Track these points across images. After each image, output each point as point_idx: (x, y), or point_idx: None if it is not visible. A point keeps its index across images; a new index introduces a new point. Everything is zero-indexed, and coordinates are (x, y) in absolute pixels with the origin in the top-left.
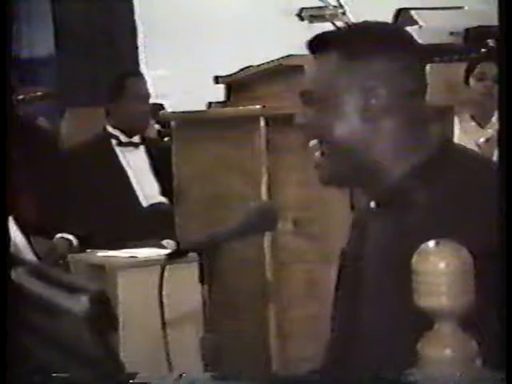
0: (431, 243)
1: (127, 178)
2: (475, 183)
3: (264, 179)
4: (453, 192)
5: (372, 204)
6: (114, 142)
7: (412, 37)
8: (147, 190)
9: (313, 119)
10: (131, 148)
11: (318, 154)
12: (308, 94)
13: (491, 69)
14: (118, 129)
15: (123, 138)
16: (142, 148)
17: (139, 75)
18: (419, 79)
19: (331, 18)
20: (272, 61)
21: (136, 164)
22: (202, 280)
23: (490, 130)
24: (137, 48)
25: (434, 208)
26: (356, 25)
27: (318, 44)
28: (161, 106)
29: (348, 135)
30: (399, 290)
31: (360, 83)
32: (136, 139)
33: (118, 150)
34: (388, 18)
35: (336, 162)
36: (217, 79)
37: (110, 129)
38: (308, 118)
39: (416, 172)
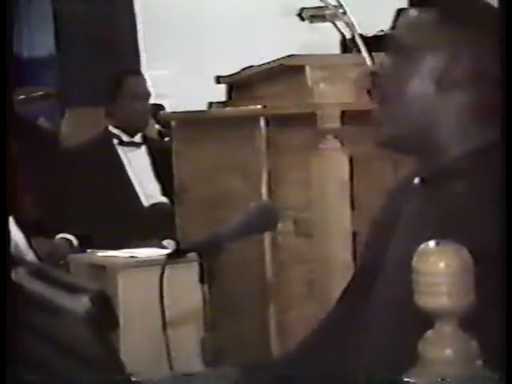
0: (431, 243)
1: (128, 177)
2: None
3: (264, 179)
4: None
5: (416, 180)
6: (115, 141)
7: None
8: (148, 189)
9: (388, 70)
10: (133, 148)
11: (379, 110)
12: (394, 42)
13: None
14: (119, 128)
15: (125, 138)
16: (143, 148)
17: (138, 74)
18: (499, 70)
19: (331, 18)
20: (273, 61)
21: (137, 164)
22: (202, 280)
23: None
24: (137, 48)
25: (478, 199)
26: None
27: None
28: (161, 106)
29: (418, 98)
30: None
31: (448, 47)
32: (138, 139)
33: (119, 149)
34: (388, 18)
35: (398, 123)
36: (218, 79)
37: (111, 128)
38: (384, 68)
39: (471, 157)
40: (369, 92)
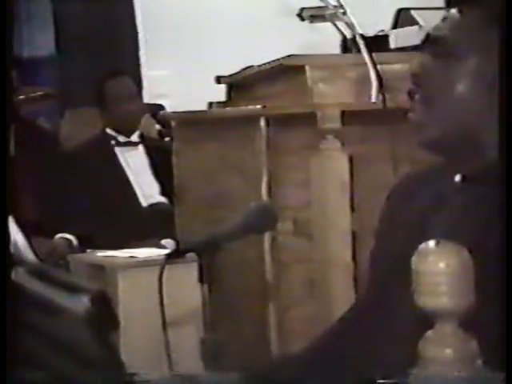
0: (431, 243)
1: (127, 178)
2: None
3: (264, 179)
4: None
5: (457, 177)
6: (112, 142)
7: None
8: (147, 189)
9: (434, 72)
10: (130, 148)
11: (423, 112)
12: (438, 45)
13: None
14: (114, 129)
15: (121, 138)
16: (140, 148)
17: (118, 75)
18: None
19: (331, 18)
20: (273, 61)
21: (135, 164)
22: (201, 280)
23: None
24: (137, 48)
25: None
26: None
27: None
28: (161, 106)
29: (467, 99)
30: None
31: (497, 49)
32: (135, 138)
33: (117, 149)
34: (388, 18)
35: (446, 125)
36: (218, 79)
37: (108, 129)
38: (429, 70)
39: None
40: (409, 93)
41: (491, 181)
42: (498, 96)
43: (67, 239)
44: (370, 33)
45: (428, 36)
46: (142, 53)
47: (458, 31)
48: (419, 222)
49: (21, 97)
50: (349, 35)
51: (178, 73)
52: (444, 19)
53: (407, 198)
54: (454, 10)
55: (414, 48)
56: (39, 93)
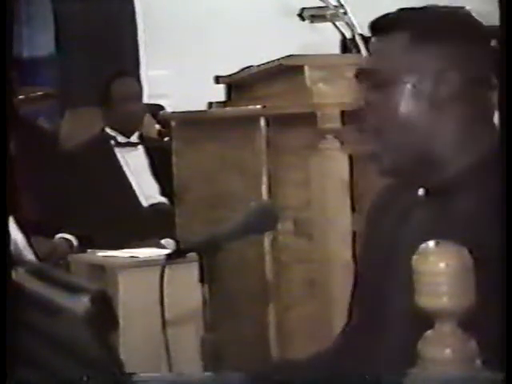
0: (431, 243)
1: (126, 178)
2: None
3: (264, 179)
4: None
5: (420, 191)
6: (112, 142)
7: (482, 24)
8: (147, 190)
9: (375, 104)
10: (130, 148)
11: (374, 143)
12: (371, 77)
13: None
14: (115, 129)
15: (121, 139)
16: (140, 148)
17: (125, 75)
18: (488, 71)
19: (332, 18)
20: (272, 61)
21: (135, 164)
22: (202, 280)
23: None
24: (137, 48)
25: (480, 208)
26: (426, 7)
27: (384, 25)
28: (161, 106)
29: (413, 122)
30: None
31: (430, 67)
32: (134, 139)
33: (116, 150)
34: None
35: (398, 152)
36: (217, 79)
37: (107, 129)
38: (370, 103)
39: (474, 168)
40: (358, 128)
41: (453, 193)
42: (499, 96)
43: (67, 239)
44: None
45: (360, 70)
46: (141, 53)
47: (385, 59)
48: (390, 236)
49: (21, 97)
50: (349, 35)
51: (178, 73)
52: (371, 51)
53: (383, 212)
54: (374, 40)
55: None
56: (39, 93)
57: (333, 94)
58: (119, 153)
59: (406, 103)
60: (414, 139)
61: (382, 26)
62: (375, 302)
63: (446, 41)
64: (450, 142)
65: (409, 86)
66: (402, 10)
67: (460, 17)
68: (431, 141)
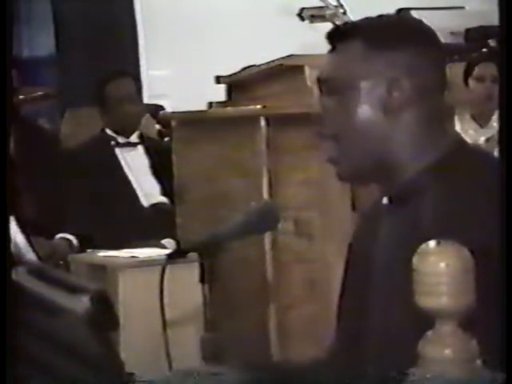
0: (432, 243)
1: (127, 178)
2: (488, 184)
3: (265, 179)
4: (465, 192)
5: (384, 200)
6: (112, 142)
7: (435, 33)
8: (147, 189)
9: (332, 110)
10: (129, 148)
11: (333, 149)
12: (328, 85)
13: (490, 70)
14: (114, 130)
15: (120, 139)
16: (140, 148)
17: (121, 76)
18: (441, 76)
19: (332, 18)
20: (272, 61)
21: (135, 164)
22: (202, 280)
23: (490, 130)
24: (137, 48)
25: (445, 208)
26: (380, 16)
27: (339, 34)
28: (161, 106)
29: (368, 128)
30: (407, 288)
31: (383, 74)
32: (134, 139)
33: (116, 150)
34: None
35: (355, 158)
36: (218, 79)
37: (107, 130)
38: (327, 110)
39: (432, 170)
40: (320, 135)
41: (414, 200)
42: (499, 96)
43: (67, 239)
44: None
45: (318, 79)
46: (141, 53)
47: (338, 68)
48: (366, 248)
49: (21, 97)
50: None
51: (178, 73)
52: (328, 59)
53: (364, 224)
54: (331, 48)
55: None
56: (39, 93)
57: None
58: (119, 153)
59: (361, 110)
60: (370, 145)
61: (338, 35)
62: (356, 316)
63: (398, 48)
64: (405, 147)
65: (363, 92)
66: (360, 19)
67: (412, 25)
68: (387, 146)
